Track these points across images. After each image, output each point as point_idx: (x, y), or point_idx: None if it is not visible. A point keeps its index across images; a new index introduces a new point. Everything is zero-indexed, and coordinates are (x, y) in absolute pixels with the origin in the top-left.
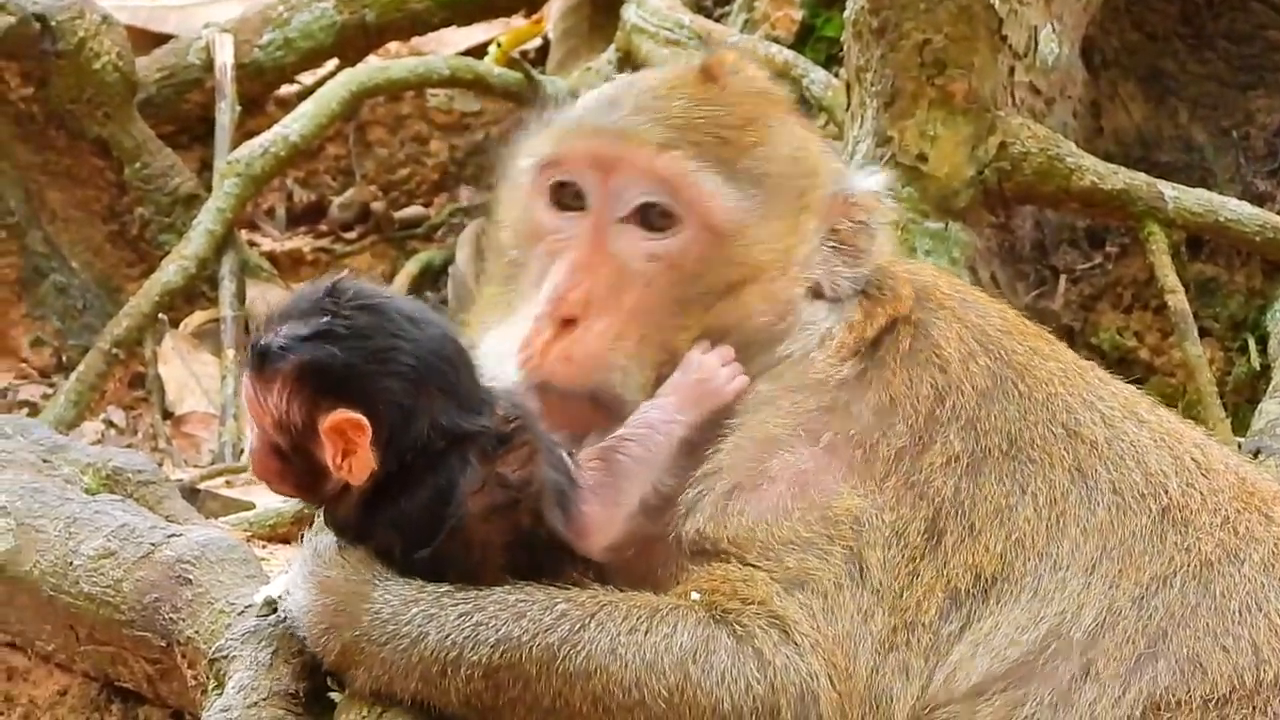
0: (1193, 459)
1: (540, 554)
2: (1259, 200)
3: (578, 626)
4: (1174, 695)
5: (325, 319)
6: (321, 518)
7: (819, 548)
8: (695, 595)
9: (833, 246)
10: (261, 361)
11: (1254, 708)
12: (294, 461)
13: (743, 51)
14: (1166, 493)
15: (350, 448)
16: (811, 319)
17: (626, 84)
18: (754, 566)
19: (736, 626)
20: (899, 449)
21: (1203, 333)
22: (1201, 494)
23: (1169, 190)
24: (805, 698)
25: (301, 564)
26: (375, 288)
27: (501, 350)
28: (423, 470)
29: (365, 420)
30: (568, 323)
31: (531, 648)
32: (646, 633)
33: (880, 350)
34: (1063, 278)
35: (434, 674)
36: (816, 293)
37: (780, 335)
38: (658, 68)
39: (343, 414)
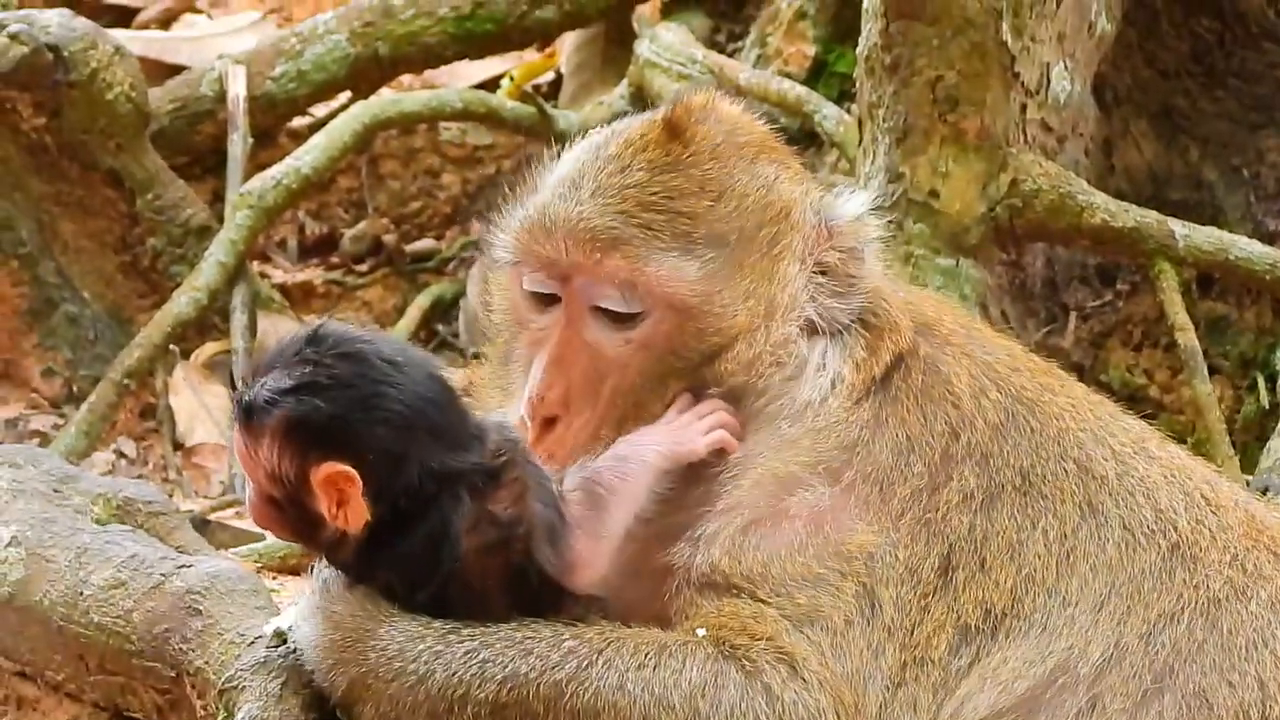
0: (1202, 495)
1: (539, 589)
2: (1269, 239)
3: (585, 664)
4: None
5: (308, 369)
6: (324, 560)
7: (831, 584)
8: (701, 631)
9: (820, 281)
10: (248, 416)
11: None
12: (290, 512)
13: (713, 91)
14: (1176, 529)
15: (344, 498)
16: (816, 359)
17: (592, 153)
18: (764, 602)
19: (745, 662)
20: (916, 488)
21: (1212, 370)
22: (1211, 531)
23: (1180, 228)
24: None
25: (309, 598)
26: (357, 332)
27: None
28: (417, 512)
29: (354, 472)
30: (550, 421)
31: (539, 685)
32: (655, 669)
33: (891, 387)
34: (1073, 315)
35: (441, 711)
36: (811, 329)
37: (787, 377)
38: (635, 119)
39: (332, 466)
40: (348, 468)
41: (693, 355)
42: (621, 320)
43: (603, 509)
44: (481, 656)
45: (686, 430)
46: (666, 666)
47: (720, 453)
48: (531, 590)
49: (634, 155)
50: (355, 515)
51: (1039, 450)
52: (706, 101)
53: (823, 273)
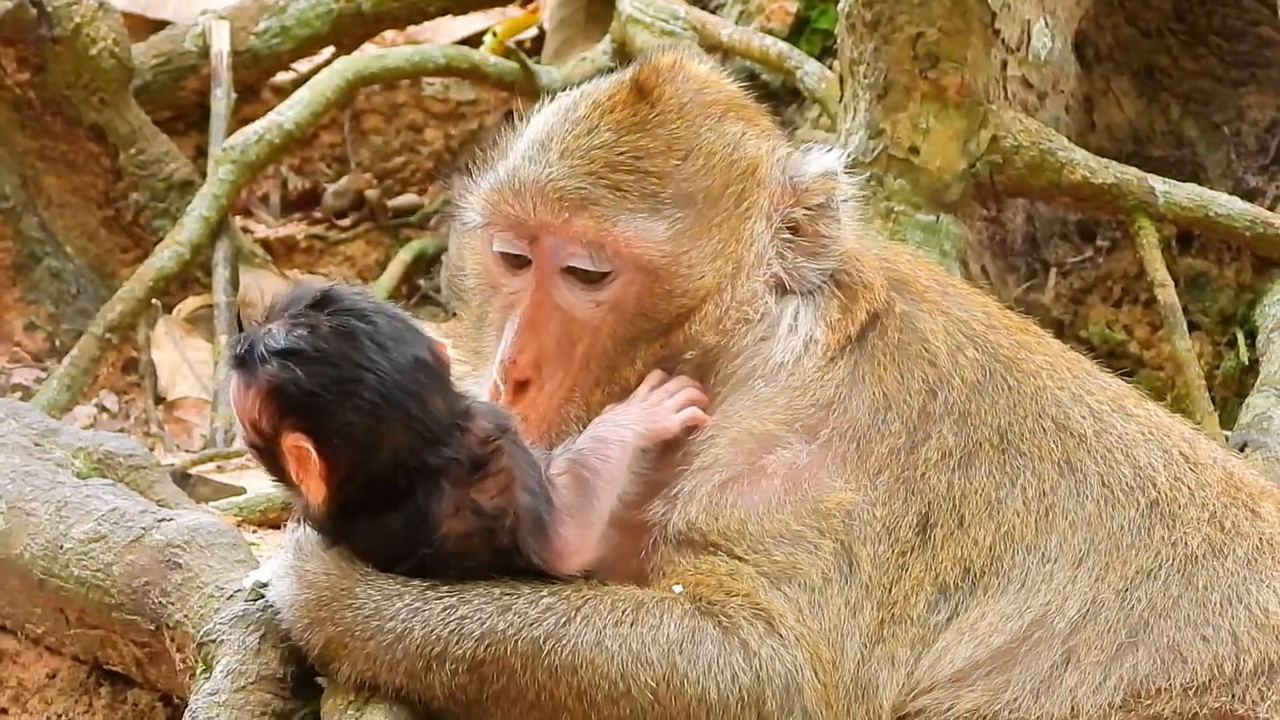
0: (1181, 453)
1: (522, 570)
2: (1249, 196)
3: (563, 620)
4: (1154, 683)
5: (303, 333)
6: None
7: (808, 542)
8: (678, 588)
9: (789, 238)
10: (239, 364)
11: (1233, 695)
12: (268, 461)
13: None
14: (1155, 486)
15: (305, 471)
16: (788, 319)
17: (560, 116)
18: (741, 559)
19: (722, 618)
20: (894, 446)
21: (1192, 327)
22: (1189, 488)
23: (1160, 185)
24: (790, 689)
25: (284, 557)
26: (363, 305)
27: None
28: (390, 498)
29: (313, 452)
30: (523, 385)
31: (516, 641)
32: (632, 625)
33: (867, 345)
34: (1053, 271)
35: (419, 668)
36: (781, 288)
37: (760, 337)
38: (604, 81)
39: (296, 439)
40: (307, 445)
41: (662, 317)
42: (591, 281)
43: (590, 494)
44: (460, 613)
45: (659, 409)
46: (644, 623)
47: (692, 429)
48: (515, 571)
49: (601, 116)
50: (314, 490)
51: (1017, 408)
52: (674, 62)
53: (793, 231)
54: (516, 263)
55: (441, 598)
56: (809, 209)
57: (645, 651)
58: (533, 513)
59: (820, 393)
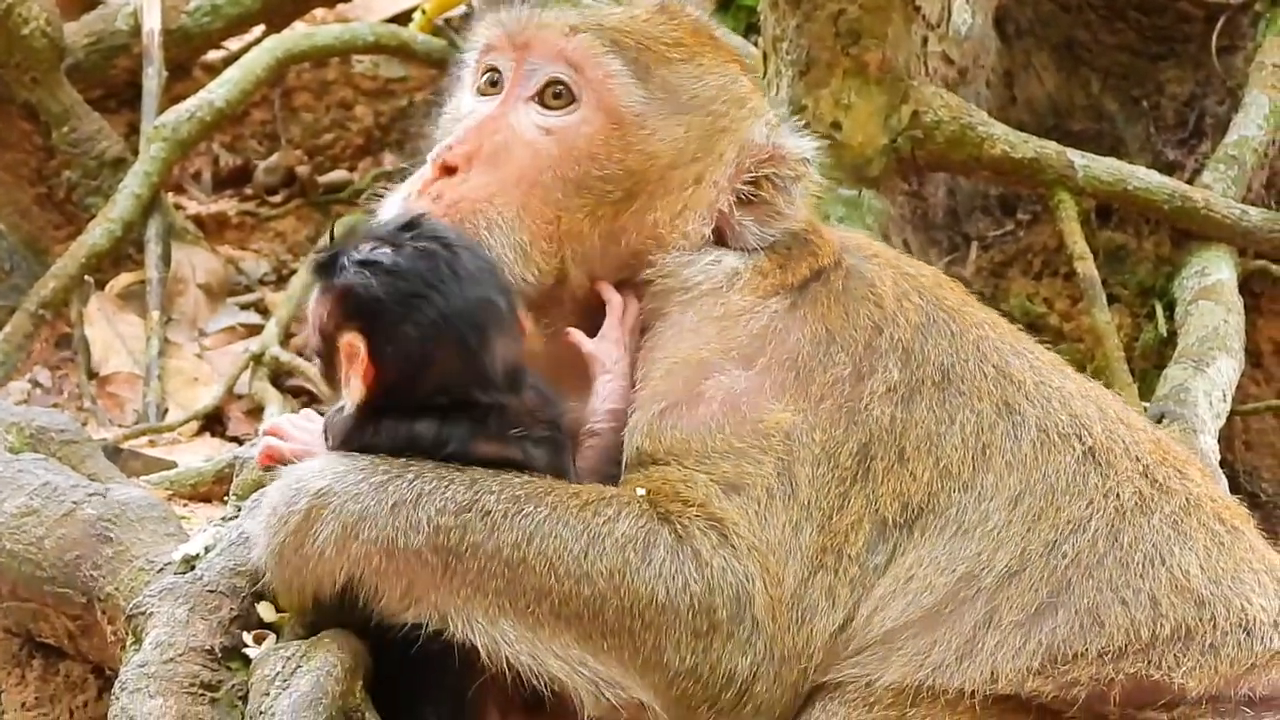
0: (1115, 412)
1: None
2: (1168, 169)
3: (541, 490)
4: (1071, 648)
5: (386, 249)
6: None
7: (751, 457)
8: (641, 491)
9: (746, 195)
10: (319, 271)
11: (1148, 661)
12: (325, 365)
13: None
14: (1091, 435)
15: (352, 369)
16: (714, 253)
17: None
18: (692, 470)
19: (677, 526)
20: (838, 376)
21: (1111, 299)
22: (1124, 442)
23: (1079, 159)
24: (740, 597)
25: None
26: (453, 236)
27: (391, 200)
28: (426, 410)
29: (363, 350)
30: (449, 170)
31: (500, 495)
32: (594, 514)
33: (809, 292)
34: (974, 244)
35: (409, 501)
36: (719, 237)
37: (683, 262)
38: None
39: (352, 338)
40: (359, 344)
41: (607, 175)
42: (553, 107)
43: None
44: (450, 474)
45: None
46: (603, 514)
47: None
48: None
49: (622, 7)
50: (354, 391)
51: (959, 351)
52: (702, 12)
53: (753, 188)
54: (492, 88)
55: (435, 467)
56: (776, 178)
57: (601, 541)
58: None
59: (753, 324)
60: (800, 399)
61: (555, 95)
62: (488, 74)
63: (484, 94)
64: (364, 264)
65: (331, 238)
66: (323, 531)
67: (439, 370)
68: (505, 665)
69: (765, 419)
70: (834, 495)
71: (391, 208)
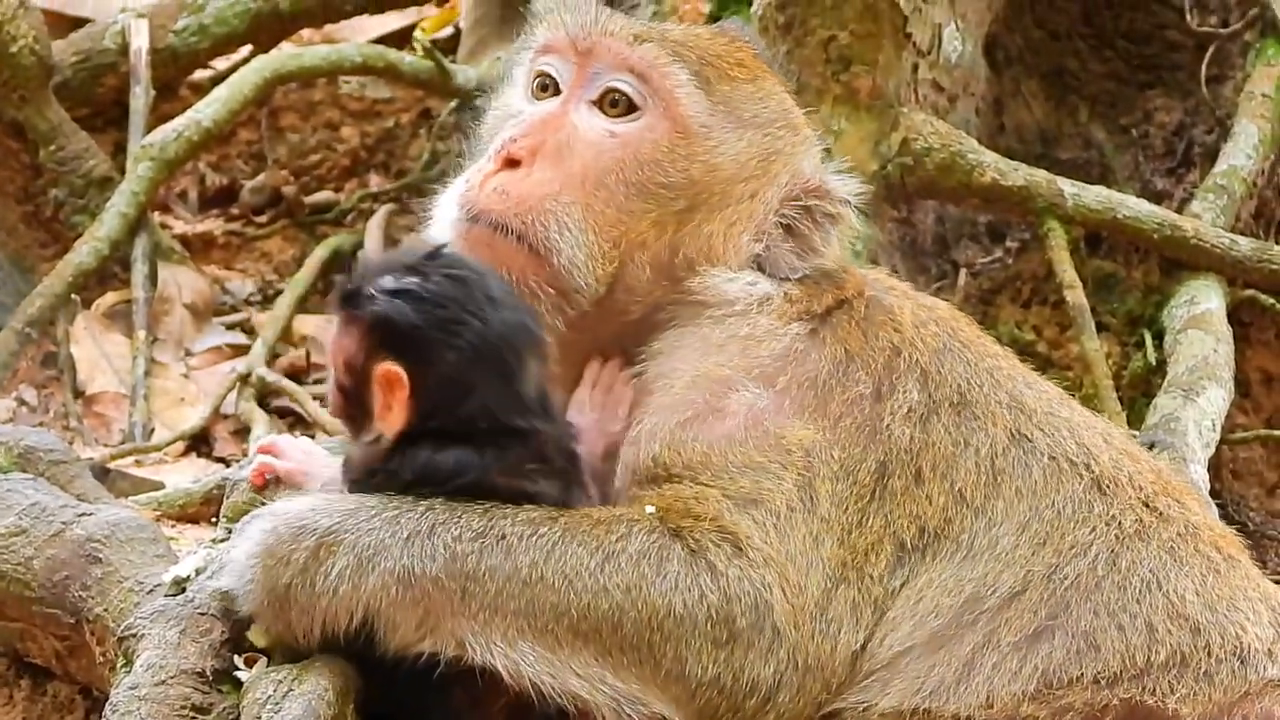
0: (1119, 443)
1: None
2: (1157, 198)
3: (554, 513)
4: (1067, 672)
5: (414, 278)
6: (342, 464)
7: (772, 472)
8: (650, 509)
9: (790, 221)
10: (346, 303)
11: (1143, 687)
12: (351, 402)
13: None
14: (1098, 464)
15: (390, 400)
16: (752, 279)
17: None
18: (706, 485)
19: (690, 540)
20: (857, 395)
21: (1100, 328)
22: (1128, 472)
23: (1069, 187)
24: (759, 606)
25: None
26: (476, 264)
27: (448, 195)
28: (462, 438)
29: (404, 376)
30: (512, 163)
31: (513, 520)
32: (607, 531)
33: (832, 318)
34: (963, 272)
35: (423, 532)
36: (759, 265)
37: (726, 281)
38: None
39: (388, 366)
40: (400, 370)
41: (673, 180)
42: (617, 114)
43: None
44: (461, 509)
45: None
46: (615, 532)
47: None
48: None
49: (688, 26)
50: (394, 420)
51: (975, 377)
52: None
53: (796, 217)
54: (545, 91)
55: (445, 501)
56: (818, 212)
57: (615, 558)
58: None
59: (775, 345)
60: (820, 417)
61: (614, 103)
62: (540, 78)
63: (538, 96)
64: (395, 293)
65: (351, 270)
66: (335, 567)
67: (480, 395)
68: (528, 686)
69: (786, 435)
70: (853, 511)
71: (450, 199)
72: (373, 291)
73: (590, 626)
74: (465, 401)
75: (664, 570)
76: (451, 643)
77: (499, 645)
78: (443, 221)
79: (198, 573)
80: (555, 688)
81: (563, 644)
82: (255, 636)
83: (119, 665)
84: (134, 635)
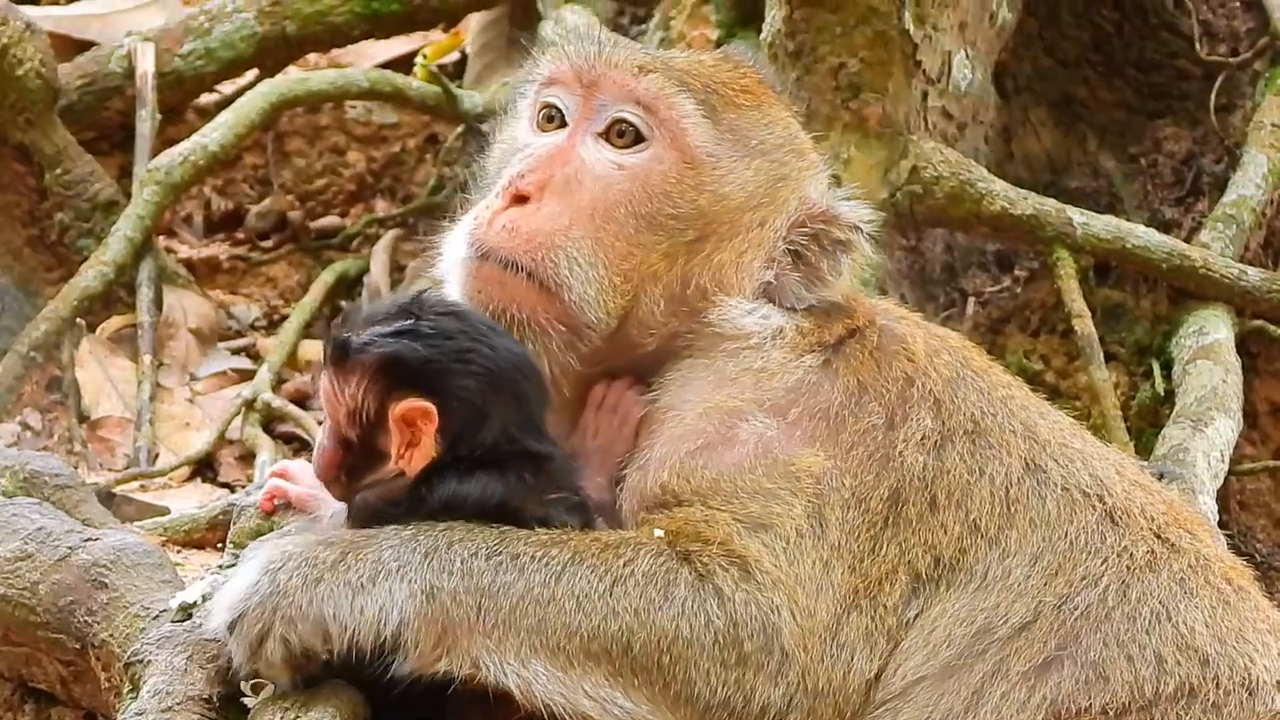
0: (1132, 474)
1: None
2: (1165, 227)
3: (564, 536)
4: (1075, 703)
5: (409, 321)
6: (349, 511)
7: (781, 498)
8: (659, 532)
9: (799, 249)
10: (344, 354)
11: (1151, 717)
12: (357, 452)
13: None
14: (1111, 495)
15: (415, 437)
16: (762, 308)
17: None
18: (716, 509)
19: (698, 564)
20: (870, 424)
21: (1108, 357)
22: (1140, 503)
23: (1078, 216)
24: (767, 629)
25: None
26: (457, 301)
27: (456, 233)
28: (487, 464)
29: (433, 408)
30: (520, 199)
31: (525, 541)
32: (615, 555)
33: (844, 348)
34: (971, 300)
35: (439, 551)
36: (768, 295)
37: (741, 314)
38: None
39: (413, 402)
40: (428, 403)
41: (683, 211)
42: (624, 145)
43: None
44: (477, 530)
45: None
46: (622, 555)
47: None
48: None
49: (692, 53)
50: (421, 455)
51: (988, 405)
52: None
53: (805, 245)
54: (551, 123)
55: (461, 524)
56: (827, 239)
57: (623, 582)
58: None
59: (788, 378)
60: (831, 446)
61: (620, 134)
62: (546, 109)
63: (543, 128)
64: (396, 334)
65: (337, 326)
66: (354, 579)
67: (498, 420)
68: (539, 706)
69: (796, 463)
70: (865, 539)
71: (459, 237)
72: (369, 339)
73: (600, 647)
74: (486, 427)
75: (671, 594)
76: (467, 661)
77: (512, 663)
78: (451, 259)
79: (205, 599)
80: (567, 708)
81: (574, 664)
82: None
83: (125, 691)
84: (141, 661)
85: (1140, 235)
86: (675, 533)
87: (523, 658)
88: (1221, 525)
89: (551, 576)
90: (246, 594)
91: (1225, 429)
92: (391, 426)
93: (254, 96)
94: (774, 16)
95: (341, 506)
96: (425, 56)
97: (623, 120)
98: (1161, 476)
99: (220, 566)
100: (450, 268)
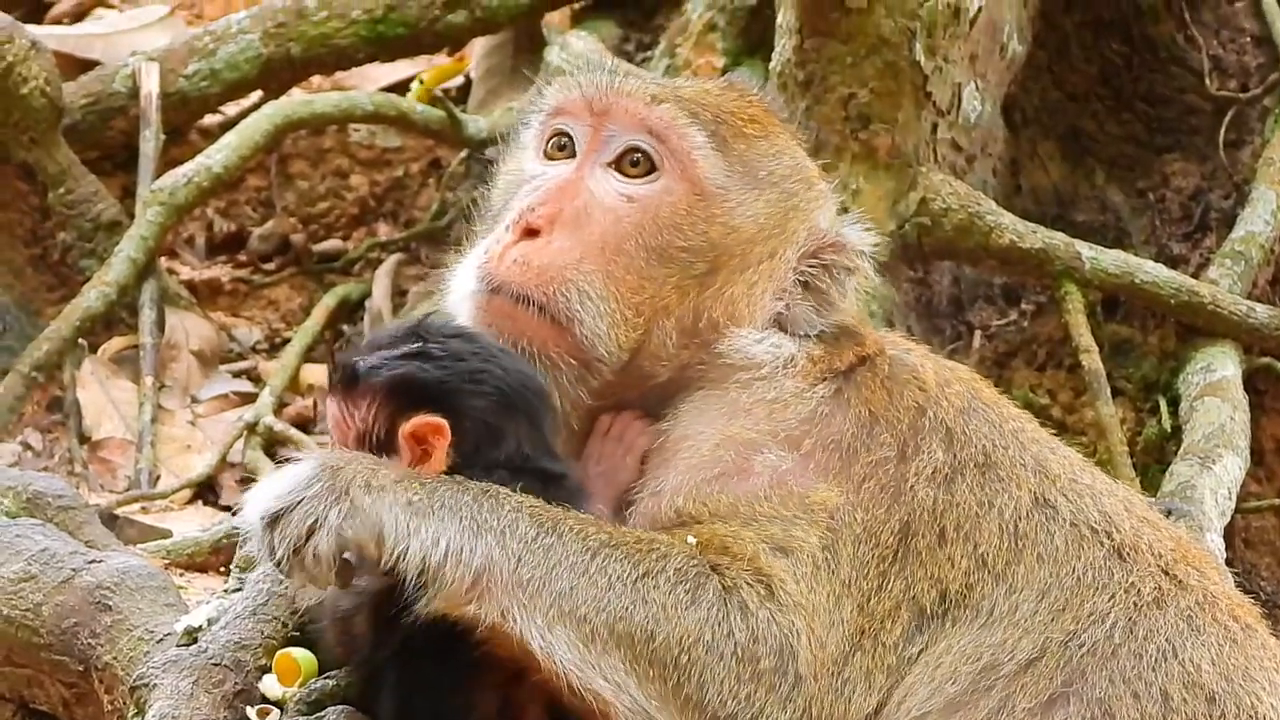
0: (1140, 510)
1: None
2: (1173, 263)
3: (600, 523)
4: None
5: (418, 344)
6: None
7: (800, 526)
8: (692, 539)
9: (808, 278)
10: (353, 378)
11: None
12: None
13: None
14: (1120, 531)
15: (427, 453)
16: (773, 337)
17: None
18: (739, 529)
19: (725, 577)
20: (882, 457)
21: (1115, 393)
22: (1149, 540)
23: (1086, 250)
24: (784, 651)
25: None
26: (464, 324)
27: (465, 266)
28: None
29: (444, 423)
30: (531, 233)
31: (566, 515)
32: (648, 549)
33: (855, 376)
34: (978, 333)
35: (490, 495)
36: (779, 324)
37: (753, 344)
38: None
39: (423, 419)
40: (439, 419)
41: (693, 243)
42: (633, 176)
43: None
44: (506, 493)
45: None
46: (655, 550)
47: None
48: None
49: (701, 82)
50: (433, 471)
51: (999, 438)
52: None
53: (814, 274)
54: (560, 152)
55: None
56: (835, 267)
57: (654, 576)
58: None
59: (801, 409)
60: (843, 480)
61: (633, 163)
62: (555, 138)
63: (551, 158)
64: (406, 357)
65: (342, 353)
66: (414, 500)
67: (512, 439)
68: (557, 673)
69: (811, 496)
70: (874, 576)
71: (468, 271)
72: (377, 362)
73: (625, 630)
74: (499, 446)
75: (698, 598)
76: (496, 611)
77: (540, 624)
78: (461, 292)
79: (210, 623)
80: (583, 683)
81: (597, 640)
82: (268, 687)
83: (130, 715)
84: (146, 685)
85: (1149, 271)
86: (705, 543)
87: (550, 620)
88: (1227, 563)
89: (588, 552)
90: (300, 485)
91: (1233, 466)
92: (401, 444)
93: (258, 118)
94: (784, 46)
95: None
96: (421, 81)
97: (636, 149)
98: (1169, 513)
99: (225, 590)
100: (459, 301)
